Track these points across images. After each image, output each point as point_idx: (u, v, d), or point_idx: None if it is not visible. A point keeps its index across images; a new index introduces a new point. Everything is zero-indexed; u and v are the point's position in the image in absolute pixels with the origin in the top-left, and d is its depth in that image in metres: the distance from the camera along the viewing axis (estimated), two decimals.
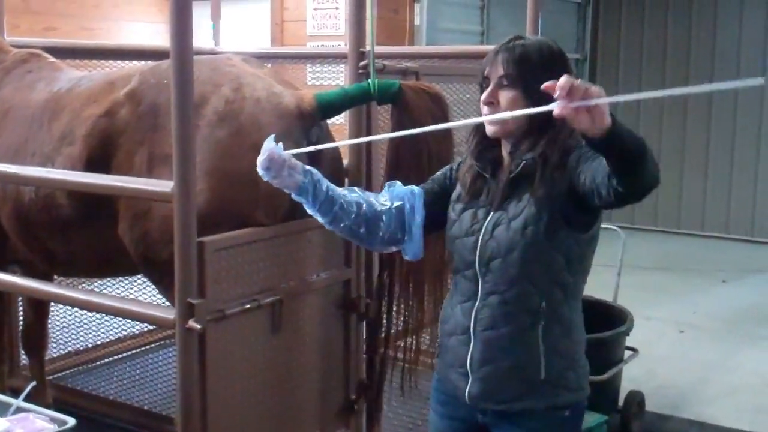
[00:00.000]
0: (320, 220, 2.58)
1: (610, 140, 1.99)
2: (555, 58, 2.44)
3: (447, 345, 2.57)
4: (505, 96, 2.40)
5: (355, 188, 2.65)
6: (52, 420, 2.24)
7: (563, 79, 1.92)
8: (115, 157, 3.44)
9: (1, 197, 3.87)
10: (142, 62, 4.84)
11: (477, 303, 2.45)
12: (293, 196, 2.53)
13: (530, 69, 2.38)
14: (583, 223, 2.40)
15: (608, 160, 2.09)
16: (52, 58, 4.22)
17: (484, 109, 2.44)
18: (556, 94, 1.92)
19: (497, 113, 2.38)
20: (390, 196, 2.62)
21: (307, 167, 2.52)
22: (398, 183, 2.69)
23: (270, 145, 2.43)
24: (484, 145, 2.52)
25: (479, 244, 2.44)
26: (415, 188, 2.64)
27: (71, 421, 2.22)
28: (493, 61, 2.43)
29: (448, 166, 2.71)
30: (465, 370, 2.49)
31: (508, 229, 2.39)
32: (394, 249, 2.70)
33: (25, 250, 3.93)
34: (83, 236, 3.71)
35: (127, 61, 4.99)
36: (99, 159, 3.48)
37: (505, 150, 2.49)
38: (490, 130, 2.45)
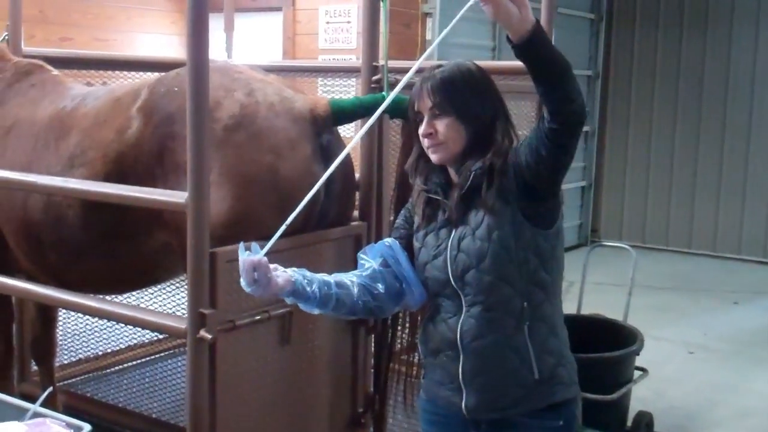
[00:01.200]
0: (323, 310, 2.50)
1: (534, 40, 2.18)
2: (475, 76, 2.53)
3: (434, 363, 2.59)
4: (441, 124, 2.47)
5: (334, 274, 2.60)
6: (68, 425, 2.25)
7: None
8: (134, 173, 3.43)
9: (6, 215, 3.87)
10: (148, 74, 4.88)
11: (462, 317, 2.48)
12: (287, 298, 2.45)
13: (456, 91, 2.47)
14: (545, 217, 2.47)
15: (534, 71, 2.25)
16: (54, 71, 4.20)
17: (425, 141, 2.51)
18: None
19: (438, 143, 2.47)
20: (368, 260, 2.61)
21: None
22: (366, 248, 2.69)
23: (244, 255, 2.32)
24: (429, 169, 2.58)
25: (448, 261, 2.48)
26: (387, 240, 2.66)
27: (87, 427, 2.23)
28: (420, 94, 2.50)
29: (404, 208, 2.74)
30: (457, 385, 2.51)
31: (474, 240, 2.44)
32: (403, 304, 2.64)
33: (32, 267, 3.92)
34: (97, 257, 3.71)
35: (141, 73, 5.03)
36: (115, 180, 3.48)
37: (451, 170, 2.55)
38: (435, 158, 2.52)
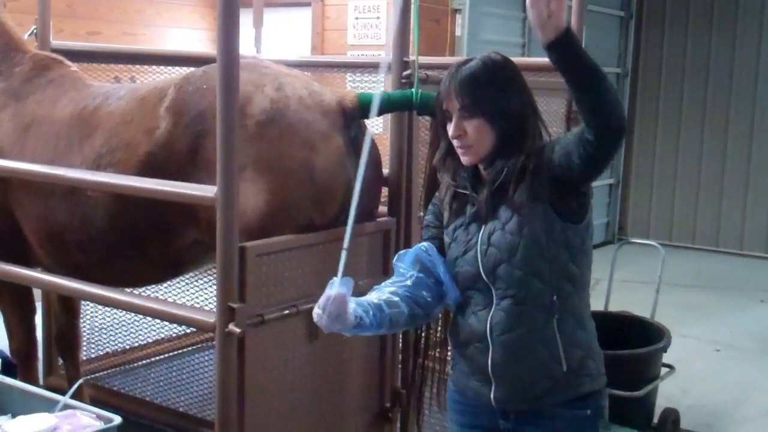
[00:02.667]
0: (378, 332, 2.53)
1: (565, 44, 2.19)
2: (502, 69, 2.52)
3: (463, 355, 2.60)
4: (470, 126, 2.47)
5: (374, 288, 2.61)
6: (98, 417, 2.28)
7: None
8: (164, 172, 3.42)
9: (27, 216, 3.88)
10: (177, 69, 4.91)
11: (492, 310, 2.49)
12: (348, 332, 2.45)
13: (483, 91, 2.46)
14: (575, 212, 2.47)
15: (566, 76, 2.25)
16: (73, 66, 4.19)
17: (455, 142, 2.51)
18: None
19: (468, 145, 2.47)
20: (406, 267, 2.59)
21: None
22: (400, 254, 2.66)
23: (333, 290, 2.32)
24: (457, 165, 2.58)
25: (479, 255, 2.49)
26: (422, 245, 2.64)
27: (117, 419, 2.25)
28: (447, 94, 2.49)
29: (431, 204, 2.73)
30: (486, 377, 2.53)
31: (504, 235, 2.44)
32: (443, 304, 2.63)
33: (56, 266, 3.92)
34: (126, 255, 3.72)
35: (169, 67, 5.05)
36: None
37: (480, 165, 2.54)
38: (465, 161, 2.52)
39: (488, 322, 2.48)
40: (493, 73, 2.50)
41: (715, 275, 9.31)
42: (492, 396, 2.52)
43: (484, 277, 2.47)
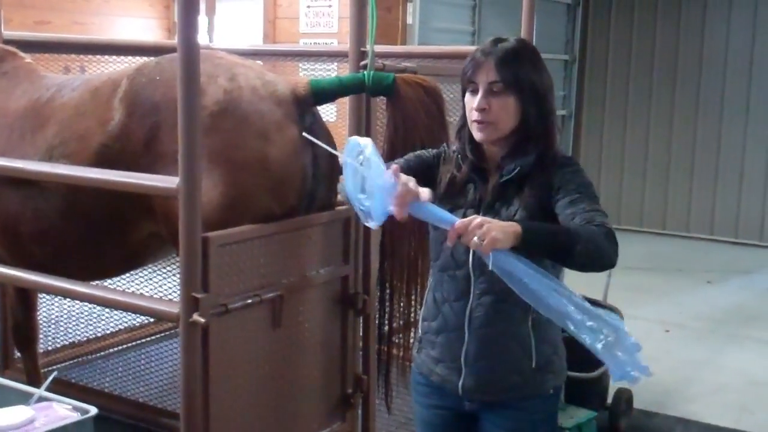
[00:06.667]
0: None
1: (524, 246, 2.21)
2: (536, 52, 2.53)
3: (434, 341, 2.62)
4: (497, 103, 2.44)
5: None
6: (75, 409, 2.29)
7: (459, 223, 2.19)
8: (118, 164, 3.39)
9: None
10: (129, 58, 4.87)
11: (470, 302, 2.51)
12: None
13: (521, 68, 2.44)
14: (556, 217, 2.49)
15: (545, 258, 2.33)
16: (27, 58, 4.15)
17: (474, 114, 2.47)
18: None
19: (488, 122, 2.44)
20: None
21: None
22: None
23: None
24: (472, 148, 2.55)
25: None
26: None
27: (93, 410, 2.26)
28: (481, 66, 2.46)
29: (439, 151, 2.68)
30: (458, 365, 2.56)
31: None
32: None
33: (13, 260, 3.86)
34: (81, 248, 3.70)
35: (120, 57, 5.02)
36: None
37: (493, 153, 2.53)
38: (480, 136, 2.48)
39: (467, 314, 2.51)
40: (532, 52, 2.50)
41: (662, 257, 9.48)
42: (460, 384, 2.56)
43: (470, 267, 2.49)
